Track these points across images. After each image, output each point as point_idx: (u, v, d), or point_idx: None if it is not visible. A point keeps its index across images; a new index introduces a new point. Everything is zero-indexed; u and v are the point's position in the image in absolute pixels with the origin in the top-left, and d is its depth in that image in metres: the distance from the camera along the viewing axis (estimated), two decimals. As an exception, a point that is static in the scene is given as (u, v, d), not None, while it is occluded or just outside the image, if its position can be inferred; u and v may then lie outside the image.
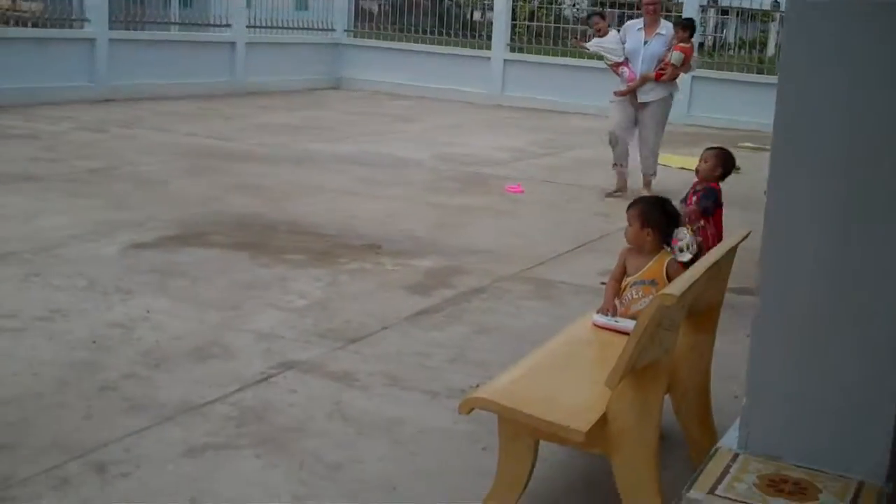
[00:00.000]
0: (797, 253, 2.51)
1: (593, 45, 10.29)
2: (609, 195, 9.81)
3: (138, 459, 3.80)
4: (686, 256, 4.45)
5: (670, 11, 20.99)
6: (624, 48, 9.97)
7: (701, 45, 20.81)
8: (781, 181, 2.56)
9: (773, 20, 26.79)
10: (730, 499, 2.66)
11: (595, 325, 4.06)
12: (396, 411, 4.40)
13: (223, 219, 7.80)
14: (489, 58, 19.51)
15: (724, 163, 6.26)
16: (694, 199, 6.09)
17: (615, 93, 9.99)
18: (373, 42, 20.94)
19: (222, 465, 3.82)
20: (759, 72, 18.92)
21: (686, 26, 9.99)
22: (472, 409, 3.42)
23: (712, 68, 18.97)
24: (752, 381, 2.60)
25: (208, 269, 6.43)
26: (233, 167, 10.13)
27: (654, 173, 10.12)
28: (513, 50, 19.79)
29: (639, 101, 9.89)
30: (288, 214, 8.12)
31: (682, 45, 9.78)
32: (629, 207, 4.23)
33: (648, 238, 4.12)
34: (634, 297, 4.13)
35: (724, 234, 5.90)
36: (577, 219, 8.77)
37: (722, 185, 6.28)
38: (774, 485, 2.70)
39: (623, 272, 4.28)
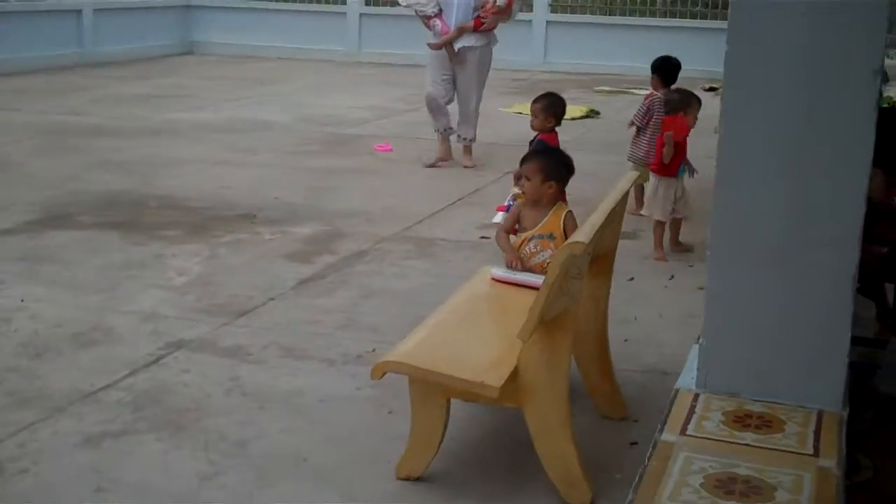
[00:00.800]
0: (749, 189, 2.52)
1: None
2: (429, 165, 9.02)
3: (34, 454, 3.67)
4: None
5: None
6: None
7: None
8: (733, 118, 2.55)
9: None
10: (702, 437, 2.74)
11: (494, 279, 4.06)
12: (295, 382, 4.35)
13: (88, 198, 7.53)
14: (345, 13, 19.28)
15: (554, 112, 6.32)
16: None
17: (429, 45, 9.12)
18: (225, 2, 20.37)
19: (123, 452, 3.72)
20: (612, 13, 19.22)
21: None
22: (385, 374, 3.40)
23: (566, 11, 19.18)
24: (709, 321, 2.64)
25: (79, 251, 6.21)
26: (91, 143, 9.77)
27: (474, 138, 9.22)
28: (367, 3, 19.59)
29: (455, 50, 8.98)
30: (156, 189, 7.90)
31: None
32: (526, 161, 4.22)
33: (549, 191, 4.13)
34: (533, 250, 4.14)
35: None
36: (449, 174, 8.79)
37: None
38: (740, 420, 2.80)
39: (513, 225, 4.29)
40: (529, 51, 18.02)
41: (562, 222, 4.10)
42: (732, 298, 2.58)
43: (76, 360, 4.55)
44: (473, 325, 3.86)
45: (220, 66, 17.25)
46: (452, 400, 3.46)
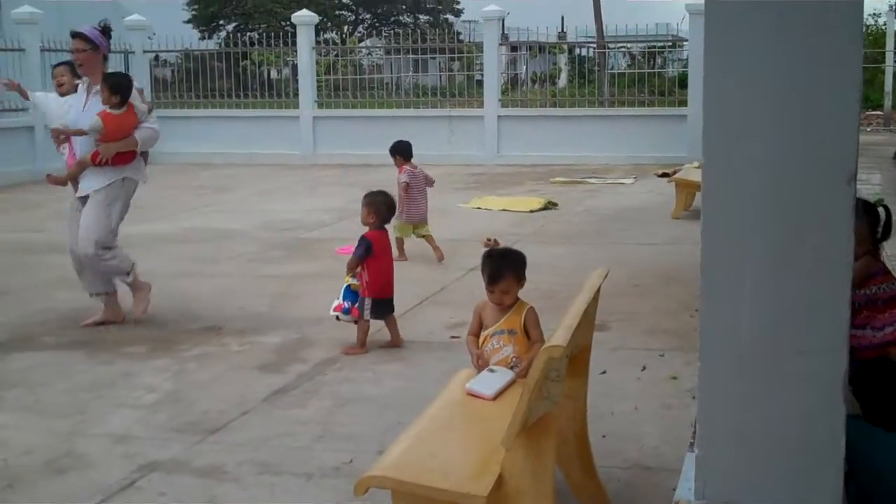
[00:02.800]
0: (734, 283, 2.52)
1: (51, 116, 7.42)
2: (88, 324, 7.20)
3: None
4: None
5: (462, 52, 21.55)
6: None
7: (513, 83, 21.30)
8: (714, 209, 2.56)
9: (561, 52, 27.79)
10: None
11: (470, 394, 4.04)
12: (273, 501, 4.27)
13: (50, 317, 7.46)
14: (297, 116, 19.47)
15: (376, 210, 6.62)
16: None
17: (47, 178, 7.24)
18: (174, 112, 20.47)
19: (101, 586, 3.62)
20: (553, 105, 19.58)
21: (113, 85, 6.91)
22: (368, 489, 3.35)
23: (516, 105, 19.52)
24: (703, 430, 2.62)
25: (45, 373, 6.11)
26: (47, 260, 9.69)
27: (129, 273, 7.25)
28: (320, 106, 19.80)
29: (77, 194, 7.12)
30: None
31: (110, 109, 6.89)
32: (500, 278, 4.23)
33: (518, 289, 4.19)
34: (495, 346, 4.20)
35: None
36: (414, 273, 8.79)
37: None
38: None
39: (479, 326, 4.34)
40: (482, 145, 18.29)
41: (522, 318, 4.17)
42: (724, 407, 2.58)
43: (48, 489, 4.44)
44: (454, 432, 3.83)
45: (173, 176, 17.25)
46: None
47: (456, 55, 22.70)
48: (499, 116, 18.52)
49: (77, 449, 4.89)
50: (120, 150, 6.98)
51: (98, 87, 6.94)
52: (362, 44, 37.81)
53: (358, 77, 21.70)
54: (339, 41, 23.50)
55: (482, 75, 19.97)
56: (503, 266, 4.26)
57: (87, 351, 6.55)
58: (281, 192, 14.68)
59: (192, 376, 6.02)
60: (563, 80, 26.25)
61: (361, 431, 5.02)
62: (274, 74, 27.30)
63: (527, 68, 28.53)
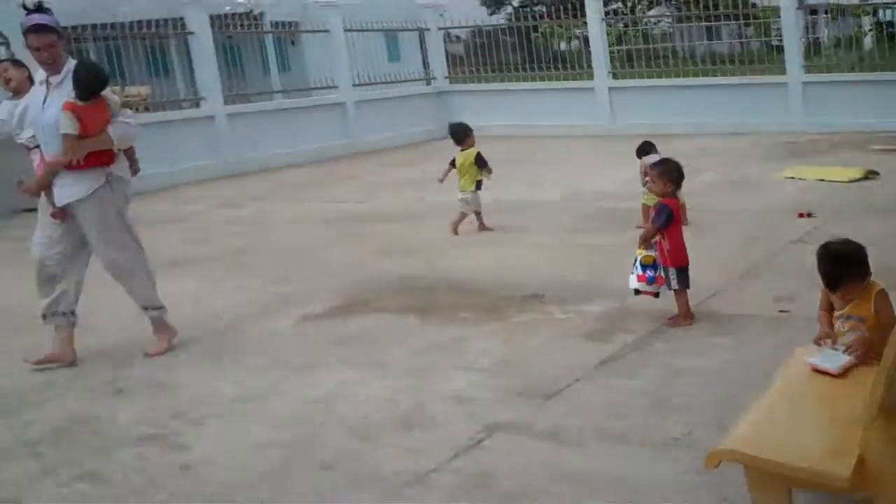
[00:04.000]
0: None
1: None
2: (38, 363, 6.13)
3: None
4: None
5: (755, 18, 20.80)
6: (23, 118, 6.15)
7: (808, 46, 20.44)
8: None
9: (865, 14, 26.24)
10: None
11: (812, 368, 3.95)
12: (618, 467, 4.35)
13: (383, 283, 7.89)
14: (592, 88, 19.49)
15: (671, 177, 6.47)
16: (652, 216, 6.44)
17: (18, 186, 6.24)
18: (473, 86, 21.06)
19: (465, 537, 3.84)
20: (862, 69, 18.52)
21: (82, 80, 5.92)
22: (720, 463, 3.37)
23: (822, 70, 18.65)
24: None
25: (384, 335, 6.50)
26: (374, 228, 10.27)
27: (158, 307, 6.42)
28: (615, 77, 19.73)
29: (56, 204, 6.08)
30: (441, 272, 8.18)
31: (72, 101, 5.90)
32: (831, 274, 4.07)
33: (864, 284, 4.05)
34: (840, 329, 4.08)
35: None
36: (731, 245, 8.65)
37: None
38: None
39: (828, 302, 4.22)
40: (787, 112, 17.61)
41: (872, 304, 3.98)
42: None
43: (402, 442, 4.74)
44: (803, 409, 3.77)
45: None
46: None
47: (752, 21, 21.91)
48: (803, 83, 17.76)
49: (424, 407, 5.18)
50: (93, 149, 5.96)
51: (60, 77, 5.99)
52: (651, 12, 37.19)
53: (651, 46, 21.41)
54: (626, 11, 23.19)
55: (780, 41, 19.21)
56: (842, 273, 4.04)
57: (419, 316, 6.90)
58: (582, 163, 14.77)
59: (522, 342, 6.22)
60: (868, 43, 24.78)
61: (696, 403, 5.02)
62: (563, 46, 27.43)
63: (828, 32, 27.15)
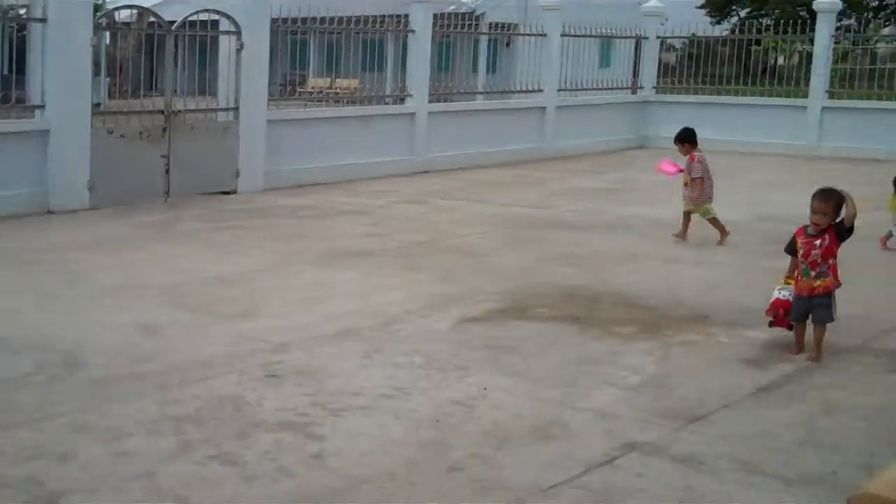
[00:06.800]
0: None
1: None
2: None
3: (495, 546, 3.82)
4: None
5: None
6: None
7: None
8: None
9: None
10: None
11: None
12: (750, 499, 4.19)
13: (546, 290, 7.85)
14: (805, 106, 18.77)
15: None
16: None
17: None
18: (678, 97, 20.65)
19: (578, 554, 3.77)
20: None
21: None
22: (862, 507, 3.19)
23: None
24: None
25: (538, 343, 6.46)
26: (548, 235, 10.23)
27: None
28: (831, 97, 18.94)
29: None
30: (609, 284, 8.07)
31: None
32: None
33: None
34: None
35: None
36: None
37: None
38: None
39: None
40: None
41: None
42: None
43: (534, 453, 4.70)
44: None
45: (673, 159, 17.35)
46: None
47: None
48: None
49: (563, 419, 5.12)
50: None
51: None
52: (883, 31, 35.54)
53: (876, 67, 20.45)
54: (857, 28, 22.15)
55: None
56: None
57: (578, 326, 6.82)
58: (781, 183, 14.27)
59: (677, 362, 6.06)
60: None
61: (847, 443, 4.78)
62: (781, 62, 26.50)
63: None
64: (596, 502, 4.17)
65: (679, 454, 4.67)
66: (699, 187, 9.91)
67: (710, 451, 4.69)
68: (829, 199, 6.12)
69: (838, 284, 6.17)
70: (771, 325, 6.30)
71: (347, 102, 16.93)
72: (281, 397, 5.36)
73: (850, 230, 6.12)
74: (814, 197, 6.19)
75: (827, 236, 6.12)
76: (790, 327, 6.26)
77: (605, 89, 20.46)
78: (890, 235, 9.57)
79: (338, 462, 4.56)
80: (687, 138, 10.24)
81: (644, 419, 5.11)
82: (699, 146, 10.24)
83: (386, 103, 16.77)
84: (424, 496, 4.24)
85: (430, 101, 16.34)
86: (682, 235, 9.98)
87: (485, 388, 5.56)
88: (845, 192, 6.16)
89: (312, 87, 21.68)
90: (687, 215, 10.06)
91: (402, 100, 16.30)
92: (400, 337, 6.60)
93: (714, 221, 9.97)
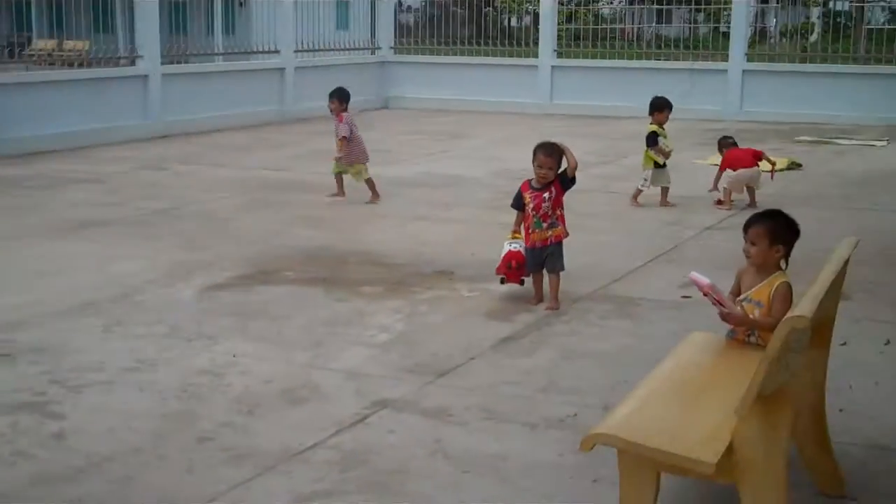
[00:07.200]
0: None
1: None
2: None
3: (248, 514, 3.77)
4: None
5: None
6: None
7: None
8: None
9: (815, 4, 26.42)
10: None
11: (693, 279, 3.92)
12: (498, 446, 4.32)
13: (292, 253, 7.78)
14: (536, 66, 19.43)
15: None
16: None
17: None
18: (417, 58, 20.92)
19: (332, 513, 3.78)
20: (803, 60, 18.68)
21: None
22: (594, 446, 3.34)
23: (763, 59, 18.79)
24: None
25: (286, 307, 6.40)
26: (292, 198, 10.14)
27: None
28: (560, 55, 19.69)
29: None
30: (355, 244, 8.10)
31: None
32: (750, 225, 4.06)
33: (776, 255, 3.99)
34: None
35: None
36: (646, 229, 8.66)
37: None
38: None
39: (738, 289, 4.17)
40: (724, 101, 17.71)
41: (771, 292, 3.95)
42: None
43: (286, 417, 4.67)
44: (684, 395, 3.74)
45: (413, 121, 17.65)
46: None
47: (703, 6, 22.00)
48: (744, 71, 17.86)
49: (313, 381, 5.10)
50: None
51: None
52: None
53: (599, 27, 21.41)
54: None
55: (728, 27, 19.32)
56: (759, 218, 4.07)
57: (325, 288, 6.81)
58: (515, 140, 14.69)
59: (423, 319, 6.16)
60: (815, 35, 24.99)
61: (587, 386, 5.01)
62: (514, 22, 27.33)
63: (776, 21, 27.36)
64: (347, 461, 4.18)
65: (429, 408, 4.75)
66: (346, 147, 9.83)
67: (458, 402, 4.80)
68: (553, 153, 6.34)
69: (567, 234, 6.43)
70: (503, 282, 6.48)
71: (77, 65, 16.09)
72: (15, 377, 5.08)
73: (572, 180, 6.38)
74: (537, 151, 6.39)
75: (553, 188, 6.35)
76: (521, 282, 6.47)
77: (344, 49, 20.41)
78: (640, 191, 9.70)
79: (80, 441, 4.37)
80: (339, 95, 10.01)
81: (394, 376, 5.17)
82: (348, 106, 10.09)
83: (119, 66, 16.06)
84: (173, 469, 4.13)
85: (164, 63, 15.80)
86: (340, 193, 9.98)
87: (233, 355, 5.46)
88: (563, 145, 6.41)
89: (39, 50, 20.45)
90: (338, 175, 10.00)
91: (133, 62, 15.67)
92: (142, 308, 6.38)
93: (369, 182, 9.92)
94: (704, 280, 3.85)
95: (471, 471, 4.09)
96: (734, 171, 9.40)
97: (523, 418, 4.62)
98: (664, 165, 9.65)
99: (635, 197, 9.68)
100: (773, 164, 9.69)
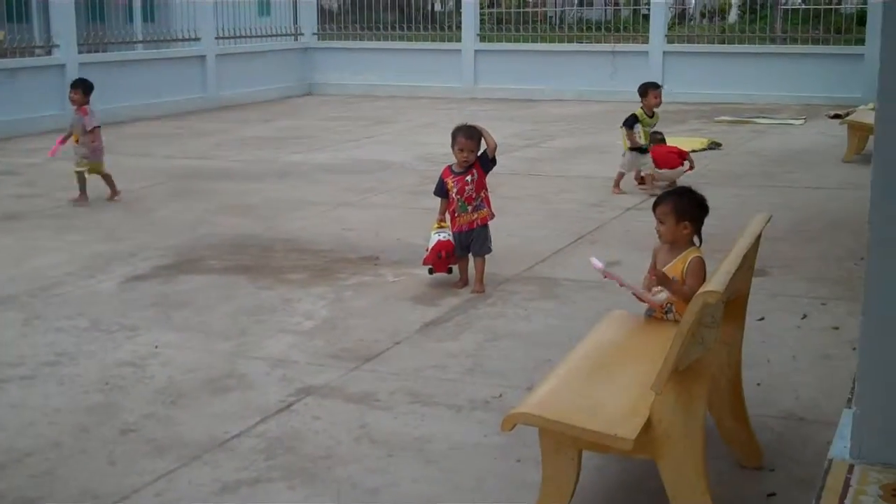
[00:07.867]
0: None
1: None
2: None
3: (172, 503, 3.75)
4: None
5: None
6: None
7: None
8: (888, 154, 2.41)
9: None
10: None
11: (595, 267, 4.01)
12: (423, 429, 4.35)
13: (216, 242, 7.72)
14: (459, 50, 19.44)
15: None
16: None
17: None
18: (341, 44, 20.81)
19: (258, 500, 3.77)
20: (722, 41, 18.96)
21: None
22: (515, 425, 3.37)
23: (683, 41, 19.02)
24: (863, 388, 2.52)
25: (209, 296, 6.35)
26: (217, 186, 10.05)
27: None
28: (483, 40, 19.72)
29: None
30: (280, 232, 8.05)
31: None
32: (658, 204, 4.12)
33: (684, 232, 4.04)
34: (655, 289, 4.11)
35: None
36: (570, 211, 8.74)
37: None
38: (899, 493, 2.63)
39: (655, 268, 4.23)
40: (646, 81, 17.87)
41: (684, 267, 4.02)
42: (887, 363, 2.47)
43: (210, 406, 4.64)
44: (604, 373, 3.79)
45: (337, 107, 17.57)
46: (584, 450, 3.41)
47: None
48: (664, 52, 18.07)
49: (238, 370, 5.08)
50: None
51: None
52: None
53: (521, 11, 21.48)
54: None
55: (649, 9, 19.52)
56: (665, 197, 4.14)
57: (249, 276, 6.77)
58: (439, 125, 14.70)
59: (349, 304, 6.15)
60: (732, 16, 25.34)
61: (511, 367, 5.05)
62: (438, 7, 27.26)
63: (696, 2, 27.66)
64: (273, 449, 4.17)
65: (354, 393, 4.76)
66: (99, 137, 9.12)
67: (384, 387, 4.81)
68: (473, 135, 6.36)
69: (493, 215, 6.47)
70: (431, 272, 6.48)
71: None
72: (-72, 375, 4.97)
73: (493, 161, 6.42)
74: (456, 135, 6.40)
75: (475, 170, 6.38)
76: (449, 271, 6.49)
77: (266, 36, 20.22)
78: (622, 174, 9.43)
79: (-1, 437, 4.30)
80: (83, 86, 9.26)
81: (319, 363, 5.16)
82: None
83: (35, 55, 15.73)
84: (95, 462, 4.08)
85: (81, 52, 15.52)
86: (83, 197, 9.16)
87: (156, 346, 5.41)
88: (481, 127, 6.44)
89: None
90: (80, 176, 9.13)
91: (49, 51, 15.36)
92: (62, 300, 6.28)
93: (108, 178, 9.32)
94: (599, 264, 3.95)
95: (396, 454, 4.11)
96: (659, 170, 9.33)
97: (448, 401, 4.64)
98: (646, 150, 9.35)
99: (617, 183, 9.40)
100: (693, 167, 9.54)
